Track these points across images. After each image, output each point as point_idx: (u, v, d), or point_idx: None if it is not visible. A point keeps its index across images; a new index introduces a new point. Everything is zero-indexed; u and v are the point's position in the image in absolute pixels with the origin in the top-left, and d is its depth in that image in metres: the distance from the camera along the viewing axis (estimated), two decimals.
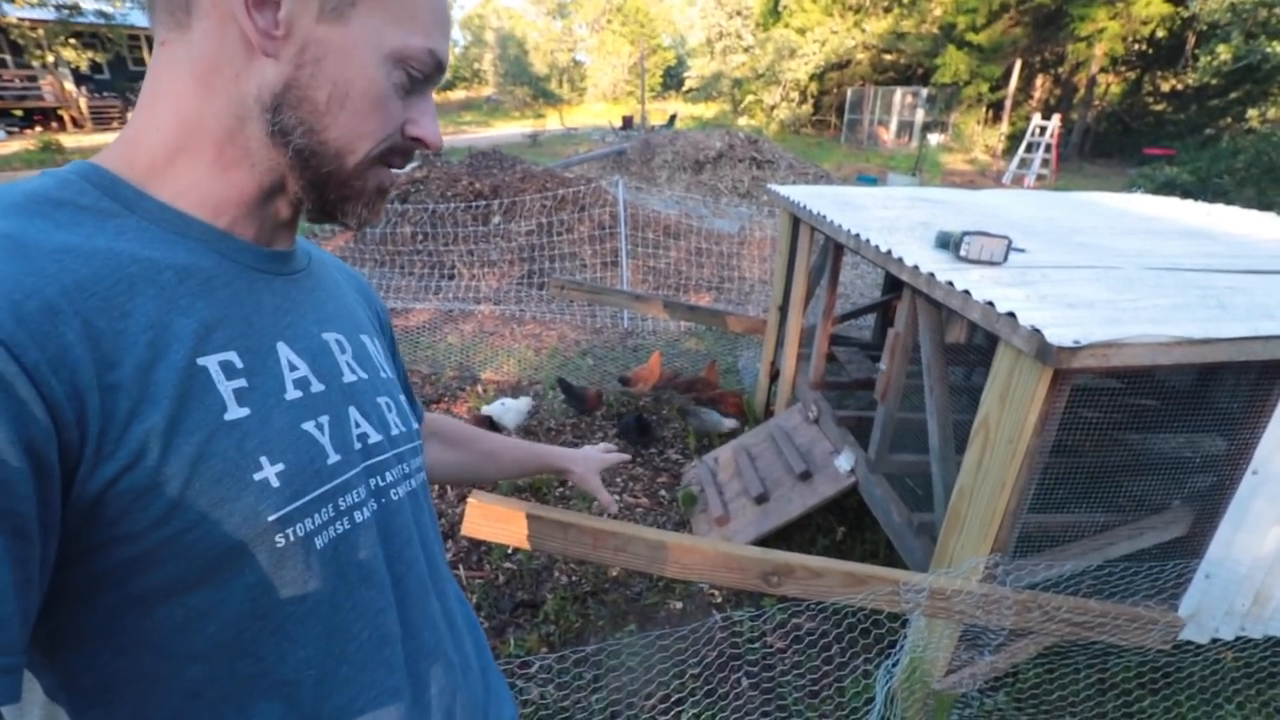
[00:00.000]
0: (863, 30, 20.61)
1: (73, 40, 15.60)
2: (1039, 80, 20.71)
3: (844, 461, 2.55)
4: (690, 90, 28.02)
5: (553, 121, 23.80)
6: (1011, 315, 1.41)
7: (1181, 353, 1.34)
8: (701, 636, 2.08)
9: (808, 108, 22.41)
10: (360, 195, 0.56)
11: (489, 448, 0.99)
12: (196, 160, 0.50)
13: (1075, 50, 16.42)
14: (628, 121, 19.60)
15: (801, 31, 21.45)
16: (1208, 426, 1.97)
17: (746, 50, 23.93)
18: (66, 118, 16.76)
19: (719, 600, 2.45)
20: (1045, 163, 13.50)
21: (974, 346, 3.38)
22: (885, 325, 4.03)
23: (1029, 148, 13.62)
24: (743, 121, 22.54)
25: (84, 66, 16.34)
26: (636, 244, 6.14)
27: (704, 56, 26.59)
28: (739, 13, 24.72)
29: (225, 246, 0.52)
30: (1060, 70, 19.23)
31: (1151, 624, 1.65)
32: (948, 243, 1.93)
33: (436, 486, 2.98)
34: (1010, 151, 15.83)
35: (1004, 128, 18.42)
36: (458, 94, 35.26)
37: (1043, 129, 13.49)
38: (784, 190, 3.27)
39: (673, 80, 34.30)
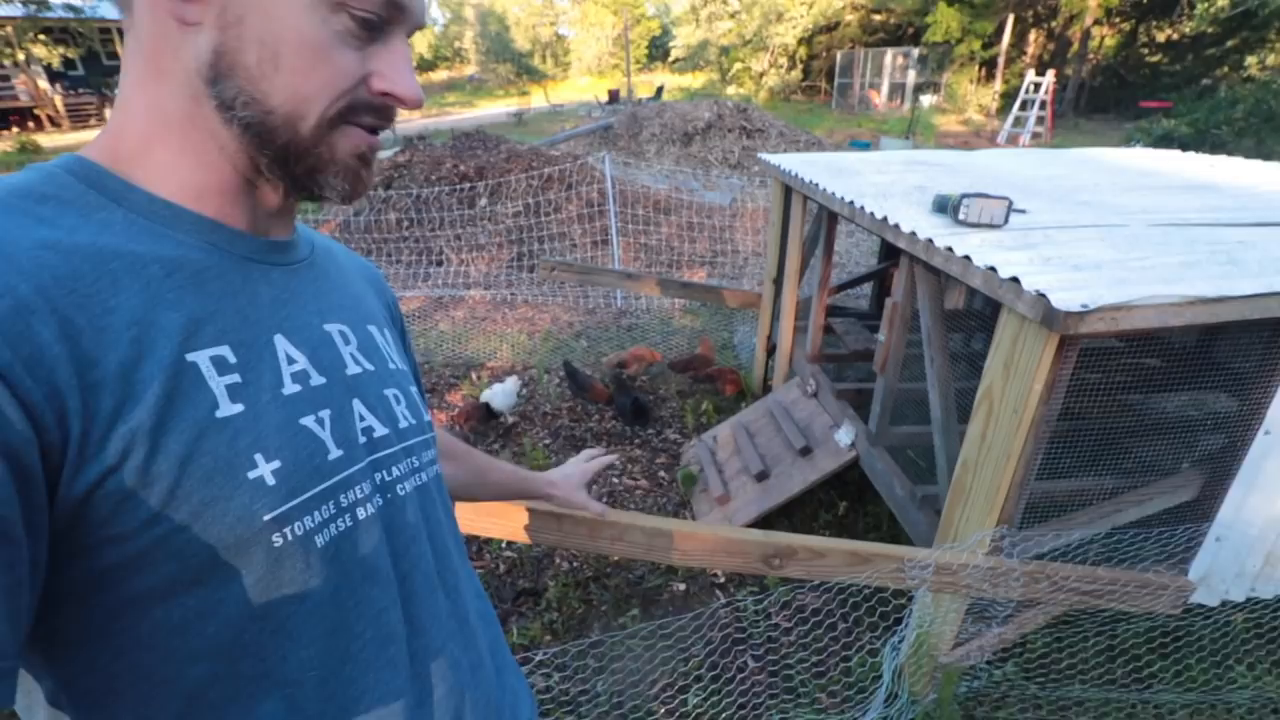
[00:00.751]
0: None
1: (42, 36, 15.20)
2: (1032, 35, 20.25)
3: (844, 435, 2.50)
4: (676, 60, 27.43)
5: (538, 98, 23.36)
6: (1015, 280, 1.34)
7: (1194, 313, 1.28)
8: (705, 621, 2.06)
9: (797, 73, 21.96)
10: (329, 165, 0.51)
11: (479, 465, 0.97)
12: (167, 147, 0.48)
13: (1068, 3, 16.04)
14: (614, 95, 19.25)
15: None
16: (1214, 385, 1.92)
17: (732, 16, 23.37)
18: (43, 116, 16.43)
19: (722, 580, 2.43)
20: (1040, 120, 13.28)
21: (973, 312, 3.32)
22: (882, 294, 3.97)
23: (1023, 105, 13.39)
24: (731, 90, 22.10)
25: (57, 63, 15.96)
26: (627, 221, 6.03)
27: (689, 25, 25.97)
28: None
29: (217, 237, 0.50)
30: (1053, 24, 18.80)
31: (1161, 589, 1.62)
32: (945, 206, 1.86)
33: None
34: (1005, 110, 15.56)
35: (997, 86, 18.07)
36: (440, 75, 34.55)
37: (1037, 86, 13.24)
38: (775, 159, 3.18)
39: (658, 51, 33.52)
